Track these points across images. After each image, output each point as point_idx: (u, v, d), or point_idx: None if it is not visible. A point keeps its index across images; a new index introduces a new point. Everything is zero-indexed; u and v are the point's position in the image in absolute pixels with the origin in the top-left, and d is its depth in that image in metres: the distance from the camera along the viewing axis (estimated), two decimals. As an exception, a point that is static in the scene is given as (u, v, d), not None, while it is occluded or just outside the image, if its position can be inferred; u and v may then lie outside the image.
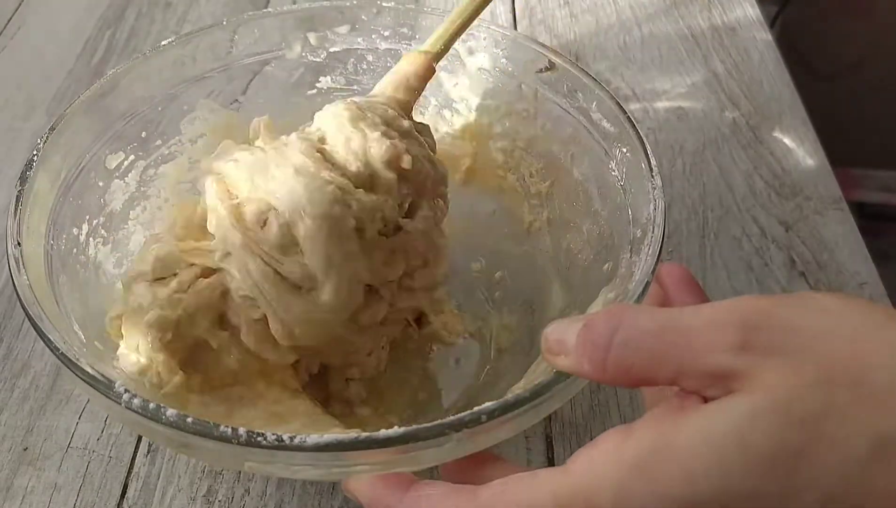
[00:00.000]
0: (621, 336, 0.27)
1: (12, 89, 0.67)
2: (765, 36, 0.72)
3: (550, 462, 0.43)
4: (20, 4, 0.76)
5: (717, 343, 0.25)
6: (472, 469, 0.32)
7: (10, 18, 0.74)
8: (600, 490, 0.26)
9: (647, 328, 0.27)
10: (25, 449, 0.44)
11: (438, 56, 0.45)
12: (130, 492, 0.42)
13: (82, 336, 0.38)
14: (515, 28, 0.73)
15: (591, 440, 0.27)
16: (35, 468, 0.43)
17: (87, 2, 0.76)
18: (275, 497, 0.42)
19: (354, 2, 0.51)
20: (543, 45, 0.48)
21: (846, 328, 0.25)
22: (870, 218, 1.12)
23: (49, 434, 0.45)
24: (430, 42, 0.45)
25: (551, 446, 0.44)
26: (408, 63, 0.44)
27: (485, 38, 0.50)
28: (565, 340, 0.29)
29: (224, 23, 0.50)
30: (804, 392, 0.24)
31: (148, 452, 0.44)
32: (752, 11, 0.74)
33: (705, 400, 0.26)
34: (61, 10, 0.75)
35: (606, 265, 0.42)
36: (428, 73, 0.45)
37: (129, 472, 0.43)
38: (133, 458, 0.44)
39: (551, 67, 0.47)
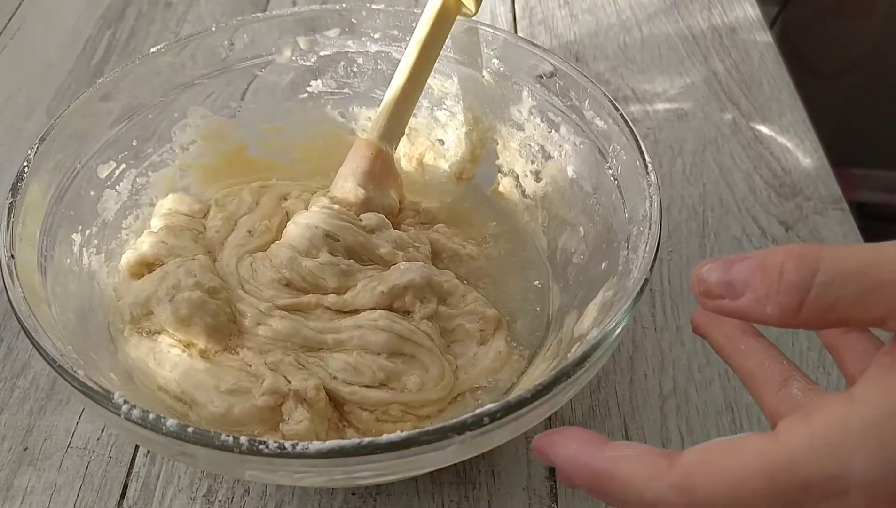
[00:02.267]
0: (824, 277, 0.25)
1: (12, 89, 0.67)
2: (765, 36, 0.72)
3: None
4: (20, 4, 0.76)
5: None
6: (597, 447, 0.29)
7: (10, 18, 0.74)
8: (834, 463, 0.23)
9: (851, 266, 0.24)
10: (25, 449, 0.44)
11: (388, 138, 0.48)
12: (130, 492, 0.42)
13: (78, 347, 0.38)
14: (515, 28, 0.73)
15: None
16: (35, 468, 0.43)
17: (87, 2, 0.76)
18: (275, 498, 0.42)
19: (344, 5, 0.51)
20: (534, 44, 0.48)
21: None
22: (870, 218, 1.12)
23: (49, 434, 0.45)
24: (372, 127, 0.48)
25: (551, 446, 0.44)
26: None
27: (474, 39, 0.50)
28: (734, 281, 0.26)
29: (213, 29, 0.49)
30: None
31: (148, 452, 0.44)
32: (752, 11, 0.74)
33: None
34: (61, 10, 0.75)
35: (603, 264, 0.42)
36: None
37: (129, 472, 0.43)
38: (133, 458, 0.44)
39: (552, 73, 0.47)
